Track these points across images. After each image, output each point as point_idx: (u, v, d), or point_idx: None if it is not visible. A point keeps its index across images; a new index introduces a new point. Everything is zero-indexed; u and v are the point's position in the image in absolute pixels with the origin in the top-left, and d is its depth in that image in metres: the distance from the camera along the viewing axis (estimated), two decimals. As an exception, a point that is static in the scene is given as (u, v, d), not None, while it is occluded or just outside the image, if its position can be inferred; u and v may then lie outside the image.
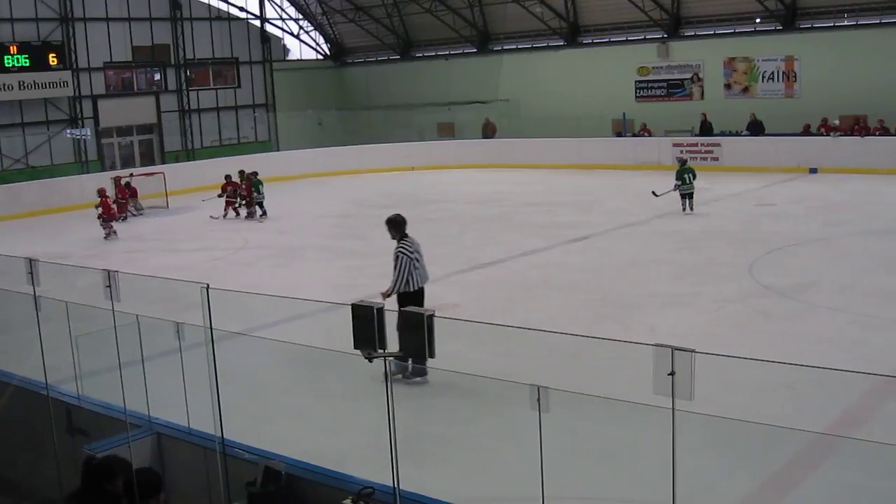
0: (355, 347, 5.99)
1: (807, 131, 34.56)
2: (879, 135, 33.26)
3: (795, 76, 37.69)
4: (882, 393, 10.71)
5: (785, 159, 33.10)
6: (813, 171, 32.58)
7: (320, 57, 50.88)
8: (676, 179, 25.11)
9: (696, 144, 35.13)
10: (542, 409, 6.07)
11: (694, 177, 24.93)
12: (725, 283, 16.54)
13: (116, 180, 30.01)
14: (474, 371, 9.79)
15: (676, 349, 4.73)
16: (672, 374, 4.68)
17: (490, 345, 12.42)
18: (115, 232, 25.76)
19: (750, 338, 13.31)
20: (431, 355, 5.66)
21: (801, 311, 14.68)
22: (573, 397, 6.67)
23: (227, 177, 29.20)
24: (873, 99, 34.70)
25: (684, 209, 24.81)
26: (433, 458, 9.80)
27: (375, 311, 5.85)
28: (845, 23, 36.97)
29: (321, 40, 50.64)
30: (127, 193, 29.89)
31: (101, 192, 26.28)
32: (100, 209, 25.74)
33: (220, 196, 28.87)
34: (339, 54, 50.80)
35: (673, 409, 4.92)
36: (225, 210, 28.28)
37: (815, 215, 23.60)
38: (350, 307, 5.99)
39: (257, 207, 28.03)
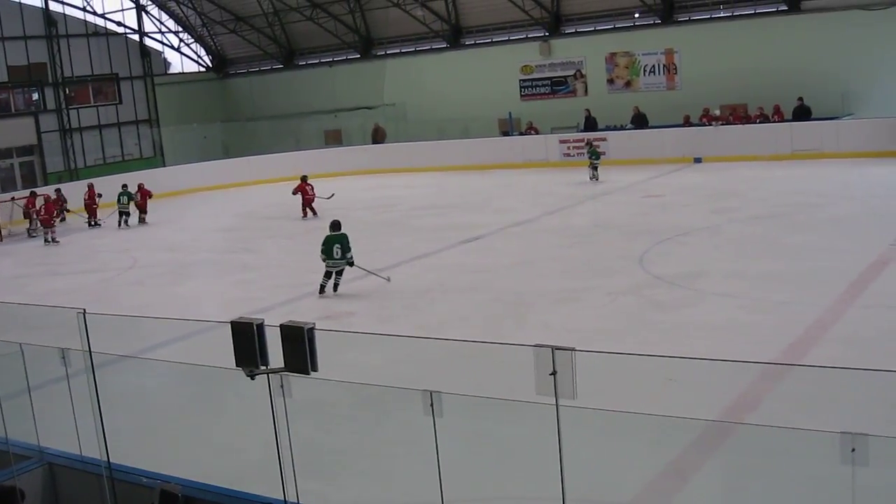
0: (237, 365, 5.85)
1: (688, 122, 35.17)
2: (760, 122, 34.01)
3: (676, 68, 38.36)
4: (772, 376, 10.88)
5: (670, 150, 33.64)
6: (698, 160, 33.16)
7: (202, 69, 50.24)
8: (593, 158, 28.77)
9: (582, 140, 35.47)
10: (435, 413, 6.01)
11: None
12: (617, 275, 16.70)
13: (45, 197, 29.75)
14: (371, 380, 9.71)
15: (557, 348, 4.70)
16: (554, 373, 4.65)
17: (386, 352, 12.33)
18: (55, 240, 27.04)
19: (643, 328, 13.44)
20: (314, 368, 5.56)
21: (691, 299, 14.88)
22: (467, 400, 6.63)
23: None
24: (752, 87, 35.53)
25: (592, 178, 28.39)
26: (332, 469, 9.68)
27: (255, 328, 5.72)
28: (721, 14, 37.76)
29: (202, 52, 50.00)
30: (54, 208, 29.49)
31: (46, 198, 28.05)
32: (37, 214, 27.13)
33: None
34: (221, 66, 50.23)
35: (557, 406, 4.89)
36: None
37: (701, 204, 23.99)
38: (230, 324, 5.86)
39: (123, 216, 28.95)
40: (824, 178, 27.39)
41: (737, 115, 35.06)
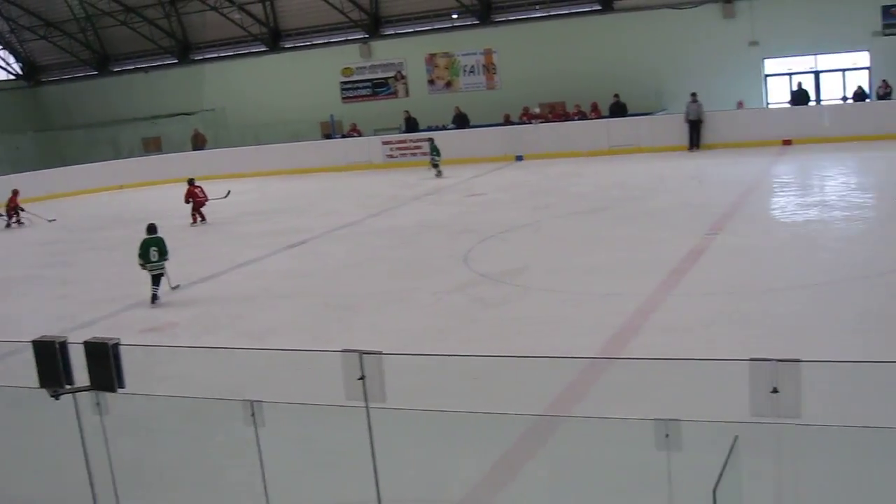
0: (41, 385, 5.60)
1: (509, 121, 35.71)
2: (578, 119, 34.78)
3: (495, 68, 38.92)
4: (596, 367, 11.07)
5: (491, 149, 34.11)
6: (519, 158, 33.71)
7: (12, 77, 48.35)
8: (435, 155, 29.83)
9: (404, 141, 35.62)
10: (257, 423, 5.89)
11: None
12: (442, 274, 16.76)
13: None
14: (195, 392, 9.46)
15: (365, 353, 4.65)
16: (362, 377, 4.60)
17: (210, 363, 12.05)
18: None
19: (469, 326, 13.51)
20: (121, 385, 5.36)
21: (516, 295, 15.03)
22: (289, 408, 6.53)
23: None
24: (570, 85, 36.31)
25: (439, 175, 29.37)
26: (156, 486, 9.39)
27: (58, 346, 5.48)
28: (537, 14, 38.45)
29: (11, 59, 48.11)
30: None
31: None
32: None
33: None
34: (32, 73, 48.44)
35: (367, 410, 4.84)
36: None
37: (523, 201, 24.36)
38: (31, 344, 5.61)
39: None
40: (641, 173, 28.21)
41: (556, 112, 35.83)
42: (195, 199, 26.18)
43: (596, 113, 35.30)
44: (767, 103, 36.58)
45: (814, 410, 5.45)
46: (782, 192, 23.50)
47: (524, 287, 15.45)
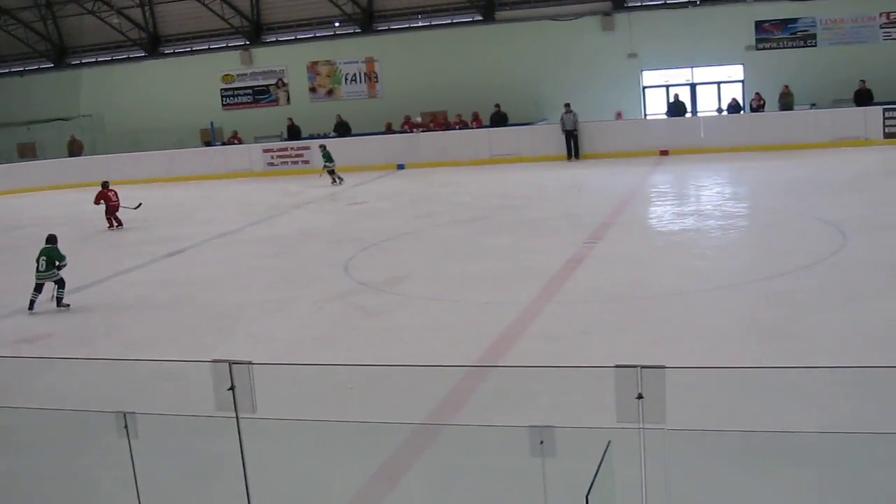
0: None
1: (390, 129, 35.74)
2: (459, 128, 34.97)
3: (377, 77, 38.91)
4: (476, 375, 11.11)
5: (373, 158, 34.06)
6: (401, 167, 33.74)
7: None
8: (328, 161, 29.37)
9: (286, 149, 35.34)
10: (130, 435, 5.76)
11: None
12: (322, 283, 16.64)
13: None
14: (70, 405, 9.21)
15: (234, 363, 4.58)
16: (232, 388, 4.53)
17: (84, 374, 11.75)
18: None
19: (349, 335, 13.45)
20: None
21: (397, 304, 15.01)
22: (162, 419, 6.40)
23: None
24: (451, 95, 36.50)
25: (335, 182, 29.35)
26: (29, 502, 9.13)
27: None
28: (420, 24, 38.55)
29: None
30: None
31: None
32: None
33: None
34: None
35: (237, 420, 4.77)
36: None
37: (404, 209, 24.38)
38: None
39: None
40: (521, 182, 28.50)
41: (437, 121, 35.98)
42: (108, 202, 25.44)
43: (477, 122, 35.55)
44: (645, 114, 37.34)
45: (679, 415, 5.57)
46: (659, 201, 23.95)
47: (405, 295, 15.45)
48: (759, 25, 35.96)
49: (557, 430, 5.35)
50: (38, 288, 16.22)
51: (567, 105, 32.77)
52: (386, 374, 10.04)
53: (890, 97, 32.76)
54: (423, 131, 35.24)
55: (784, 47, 35.86)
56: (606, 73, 36.74)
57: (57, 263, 16.29)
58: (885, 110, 31.49)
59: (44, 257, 16.25)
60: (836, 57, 35.03)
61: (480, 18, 38.08)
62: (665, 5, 36.83)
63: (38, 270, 16.22)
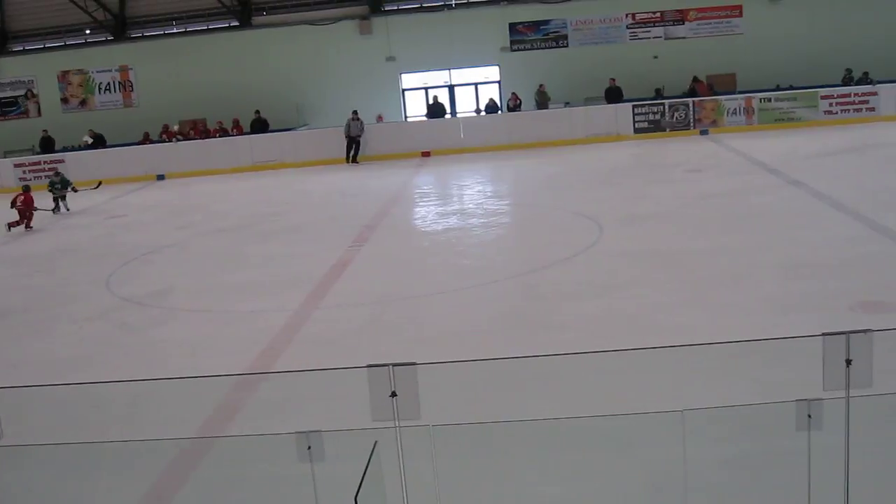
0: None
1: (148, 139, 34.90)
2: (220, 136, 34.49)
3: (132, 85, 37.92)
4: (246, 385, 10.97)
5: (131, 169, 33.10)
6: (160, 177, 32.94)
7: None
8: (58, 188, 27.01)
9: (38, 163, 33.91)
10: None
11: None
12: (83, 301, 16.04)
13: None
14: None
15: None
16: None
17: None
18: None
19: (115, 353, 13.01)
20: None
21: (162, 318, 14.63)
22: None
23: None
24: (211, 102, 35.96)
25: (58, 210, 26.83)
26: None
27: None
28: (175, 30, 37.82)
29: None
30: None
31: None
32: None
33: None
34: None
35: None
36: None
37: (166, 221, 23.81)
38: None
39: None
40: (285, 188, 28.35)
41: (197, 130, 35.35)
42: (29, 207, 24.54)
43: (238, 129, 35.13)
44: (406, 117, 37.83)
45: (442, 411, 5.67)
46: (423, 202, 24.27)
47: (170, 309, 15.08)
48: (513, 27, 37.06)
49: (325, 434, 5.35)
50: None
51: (355, 112, 32.79)
52: (152, 389, 9.76)
53: (638, 94, 34.41)
54: (182, 140, 34.51)
55: (538, 48, 37.09)
56: (366, 76, 37.03)
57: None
58: (634, 107, 33.03)
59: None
60: (587, 56, 36.52)
61: (237, 24, 37.68)
62: (421, 9, 37.45)
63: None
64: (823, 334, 5.27)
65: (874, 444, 6.11)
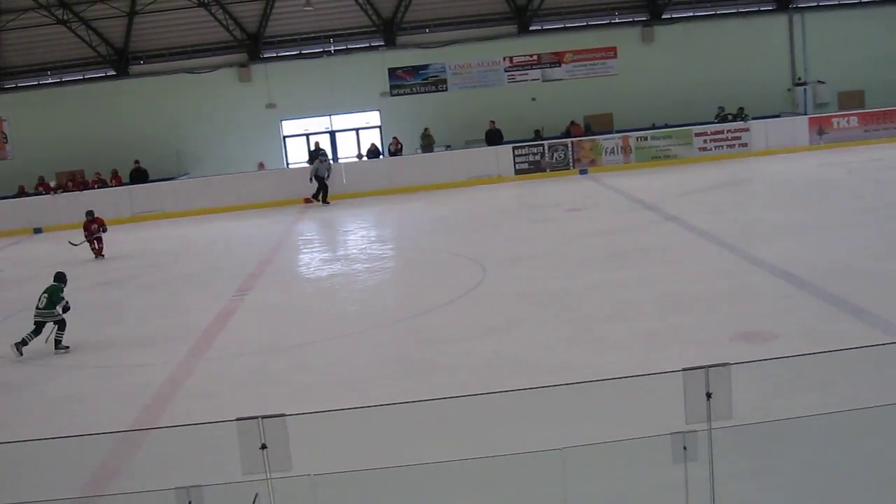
0: None
1: (24, 192, 34.17)
2: (98, 187, 33.92)
3: (6, 137, 37.10)
4: (131, 441, 10.76)
5: (7, 222, 32.27)
6: (38, 230, 32.20)
7: None
8: None
9: None
10: None
11: None
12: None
13: None
14: None
15: None
16: None
17: None
18: None
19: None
20: None
21: (42, 375, 14.24)
22: None
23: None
24: (88, 153, 35.45)
25: None
26: None
27: None
28: (49, 80, 37.21)
29: None
30: None
31: None
32: None
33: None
34: None
35: None
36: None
37: (44, 276, 23.13)
38: None
39: None
40: (168, 238, 27.97)
41: (75, 181, 34.70)
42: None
43: (117, 180, 34.60)
44: (288, 163, 37.74)
45: (314, 460, 5.67)
46: (307, 249, 24.20)
47: (50, 366, 14.72)
48: (392, 72, 37.34)
49: (205, 488, 5.30)
50: (37, 329, 15.39)
51: (323, 152, 32.65)
52: (32, 448, 9.52)
53: (518, 136, 34.91)
54: (60, 192, 33.81)
55: (418, 92, 37.42)
56: (246, 124, 36.92)
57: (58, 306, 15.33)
58: (514, 148, 33.50)
59: (45, 294, 15.56)
60: (466, 100, 36.98)
61: (114, 73, 37.22)
62: (300, 55, 37.52)
63: (36, 307, 15.50)
64: (683, 369, 5.42)
65: (741, 474, 6.29)
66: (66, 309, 15.53)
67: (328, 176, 32.16)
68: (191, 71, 36.99)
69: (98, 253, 25.01)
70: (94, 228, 25.27)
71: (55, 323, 15.49)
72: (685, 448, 5.46)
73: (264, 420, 5.26)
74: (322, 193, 32.05)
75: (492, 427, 7.90)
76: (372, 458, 6.30)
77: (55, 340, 15.47)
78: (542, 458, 5.90)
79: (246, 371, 13.13)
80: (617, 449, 5.82)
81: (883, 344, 9.84)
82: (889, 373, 8.42)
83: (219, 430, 6.14)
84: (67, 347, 15.45)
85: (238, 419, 5.31)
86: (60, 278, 16.28)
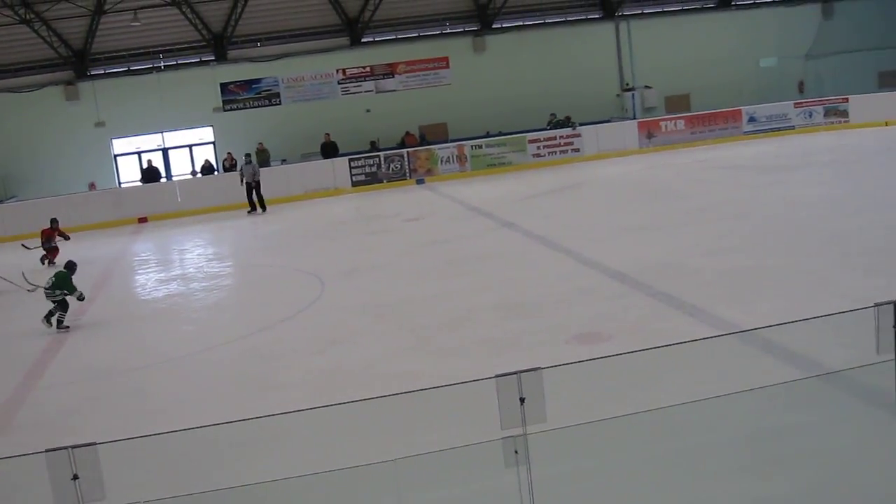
0: None
1: None
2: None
3: None
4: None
5: None
6: None
7: None
8: None
9: None
10: None
11: None
12: None
13: None
14: None
15: None
16: None
17: None
18: None
19: None
20: None
21: None
22: None
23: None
24: None
25: None
26: None
27: None
28: None
29: None
30: None
31: None
32: None
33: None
34: None
35: None
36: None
37: None
38: None
39: None
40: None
41: None
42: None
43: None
44: (120, 183, 36.88)
45: (145, 487, 5.54)
46: (142, 269, 23.65)
47: None
48: (224, 87, 36.92)
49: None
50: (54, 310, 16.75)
51: (248, 155, 31.46)
52: None
53: (354, 148, 34.95)
54: None
55: (251, 107, 37.09)
56: (75, 143, 35.93)
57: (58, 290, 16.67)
58: (350, 160, 33.50)
59: (53, 278, 16.93)
60: (301, 113, 36.85)
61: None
62: (129, 72, 36.74)
63: (45, 287, 16.87)
64: (496, 376, 5.52)
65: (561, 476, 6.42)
66: (80, 298, 17.03)
67: (251, 180, 31.02)
68: (14, 90, 35.79)
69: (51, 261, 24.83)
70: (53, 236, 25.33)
71: (55, 303, 16.66)
72: (517, 452, 5.54)
73: (74, 450, 5.12)
74: (258, 198, 31.09)
75: (328, 441, 7.87)
76: (201, 481, 6.20)
77: (57, 321, 16.62)
78: (377, 471, 5.90)
79: (79, 398, 12.76)
80: (450, 457, 5.86)
81: (709, 337, 10.19)
82: (716, 366, 8.73)
83: (28, 463, 5.95)
84: (68, 327, 16.68)
85: (47, 450, 5.16)
86: (70, 267, 17.48)
